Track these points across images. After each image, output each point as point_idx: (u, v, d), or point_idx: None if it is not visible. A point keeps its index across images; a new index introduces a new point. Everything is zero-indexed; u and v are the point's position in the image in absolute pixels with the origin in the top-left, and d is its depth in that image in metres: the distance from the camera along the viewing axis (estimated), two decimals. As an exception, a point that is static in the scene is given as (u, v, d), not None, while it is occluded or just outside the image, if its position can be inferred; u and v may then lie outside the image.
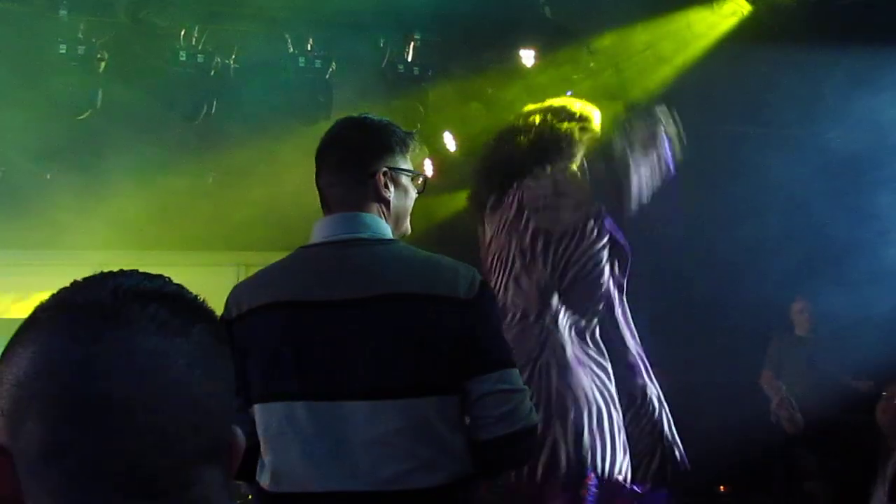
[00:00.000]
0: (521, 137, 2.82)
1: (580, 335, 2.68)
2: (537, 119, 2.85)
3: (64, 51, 5.32)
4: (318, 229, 2.01)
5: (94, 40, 5.39)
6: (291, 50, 5.71)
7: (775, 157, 5.52)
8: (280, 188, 7.57)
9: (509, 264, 2.73)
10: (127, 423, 0.73)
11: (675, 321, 6.10)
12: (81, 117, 5.61)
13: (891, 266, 5.19)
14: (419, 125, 5.85)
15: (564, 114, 2.86)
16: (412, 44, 5.81)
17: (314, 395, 1.84)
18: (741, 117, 5.94)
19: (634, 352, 2.76)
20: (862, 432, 4.15)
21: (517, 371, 1.91)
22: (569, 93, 6.70)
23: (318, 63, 5.72)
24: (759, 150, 5.71)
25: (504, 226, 2.75)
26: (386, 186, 2.02)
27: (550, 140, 2.80)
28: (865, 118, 5.19)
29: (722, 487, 6.16)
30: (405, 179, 2.07)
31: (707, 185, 5.68)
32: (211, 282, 8.01)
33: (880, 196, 5.49)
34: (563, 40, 5.68)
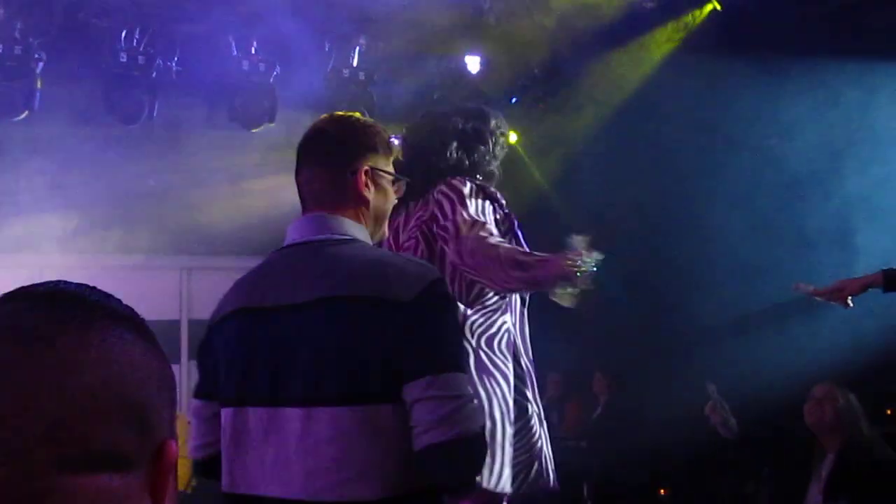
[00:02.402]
0: (437, 137, 2.77)
1: (489, 344, 2.62)
2: (458, 120, 2.80)
3: (0, 51, 5.21)
4: (289, 231, 1.99)
5: (31, 40, 5.29)
6: (235, 53, 5.67)
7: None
8: (224, 192, 7.51)
9: None
10: None
11: (621, 321, 6.19)
12: (18, 119, 5.49)
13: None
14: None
15: (481, 117, 2.84)
16: (357, 48, 5.81)
17: (259, 400, 1.84)
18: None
19: (527, 365, 2.70)
20: (797, 433, 4.25)
21: (459, 376, 1.81)
22: (514, 99, 6.77)
23: (262, 67, 5.68)
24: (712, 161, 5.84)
25: (416, 225, 2.68)
26: (367, 186, 1.98)
27: (476, 141, 2.78)
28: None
29: (662, 490, 6.25)
30: (385, 182, 2.03)
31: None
32: (154, 286, 7.86)
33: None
34: (508, 48, 5.73)
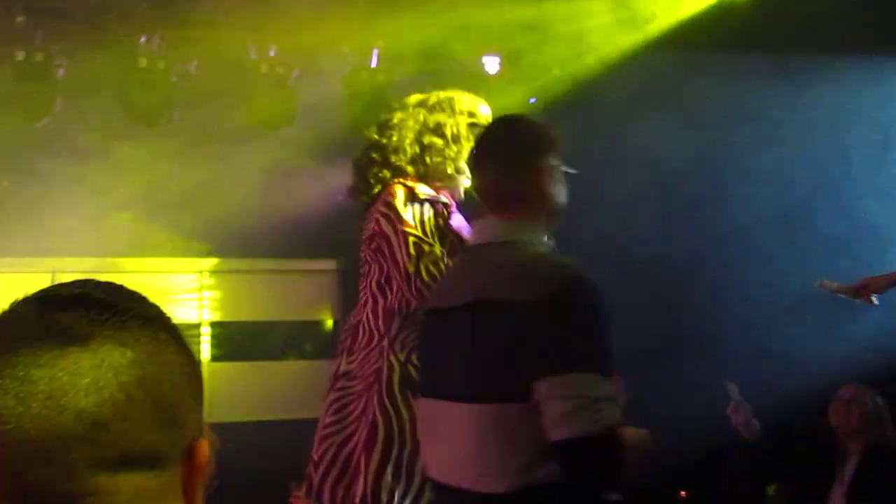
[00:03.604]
0: (404, 131, 2.74)
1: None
2: (422, 112, 2.78)
3: (22, 58, 5.25)
4: (472, 233, 2.21)
5: (52, 46, 5.34)
6: (253, 56, 5.69)
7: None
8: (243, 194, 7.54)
9: (370, 277, 2.68)
10: (8, 435, 0.72)
11: (637, 320, 6.16)
12: (39, 124, 5.54)
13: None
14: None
15: (450, 107, 2.79)
16: (376, 50, 5.82)
17: (432, 392, 2.06)
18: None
19: None
20: (819, 435, 4.21)
21: (592, 376, 1.83)
22: (532, 100, 6.75)
23: (280, 70, 5.70)
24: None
25: (364, 238, 2.68)
26: (549, 183, 2.05)
27: (435, 134, 2.73)
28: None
29: (682, 492, 6.21)
30: (561, 177, 2.10)
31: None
32: (177, 289, 7.83)
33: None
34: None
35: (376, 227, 2.59)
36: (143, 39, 5.48)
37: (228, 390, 7.62)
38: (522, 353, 1.83)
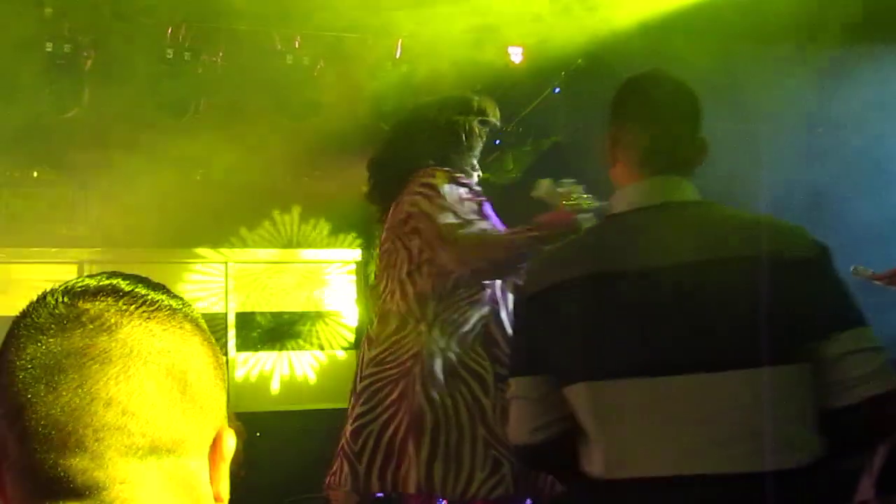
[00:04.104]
0: (418, 130, 2.76)
1: (462, 342, 2.57)
2: (433, 112, 2.79)
3: (50, 49, 5.31)
4: (629, 194, 1.84)
5: (79, 38, 5.38)
6: (279, 48, 5.71)
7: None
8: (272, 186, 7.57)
9: (397, 267, 2.65)
10: (38, 423, 0.73)
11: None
12: (68, 115, 5.59)
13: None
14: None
15: (462, 106, 2.81)
16: (400, 41, 5.82)
17: (634, 371, 1.69)
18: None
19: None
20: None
21: (871, 329, 1.71)
22: (556, 90, 6.73)
23: (305, 61, 5.72)
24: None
25: (393, 225, 2.68)
26: (705, 152, 1.90)
27: (448, 133, 2.75)
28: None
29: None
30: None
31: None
32: (200, 279, 7.92)
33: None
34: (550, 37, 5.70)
35: (412, 209, 2.60)
36: (169, 31, 5.52)
37: (254, 380, 7.69)
38: (803, 310, 1.67)
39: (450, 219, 2.53)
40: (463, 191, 2.64)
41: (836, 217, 5.65)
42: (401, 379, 2.53)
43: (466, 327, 2.59)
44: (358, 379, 2.69)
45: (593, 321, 1.73)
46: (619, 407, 1.69)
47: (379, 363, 2.60)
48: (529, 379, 1.82)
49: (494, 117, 2.86)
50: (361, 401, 2.62)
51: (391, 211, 2.72)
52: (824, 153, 5.67)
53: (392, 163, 2.76)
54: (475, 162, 2.80)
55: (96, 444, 0.74)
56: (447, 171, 2.65)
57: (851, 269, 3.28)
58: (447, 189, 2.59)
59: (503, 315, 2.66)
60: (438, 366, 2.52)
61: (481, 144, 2.81)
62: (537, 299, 1.81)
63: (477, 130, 2.79)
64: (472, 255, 2.50)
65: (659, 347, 1.69)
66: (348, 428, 2.63)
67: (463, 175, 2.69)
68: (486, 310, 2.63)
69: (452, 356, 2.52)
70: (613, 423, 1.70)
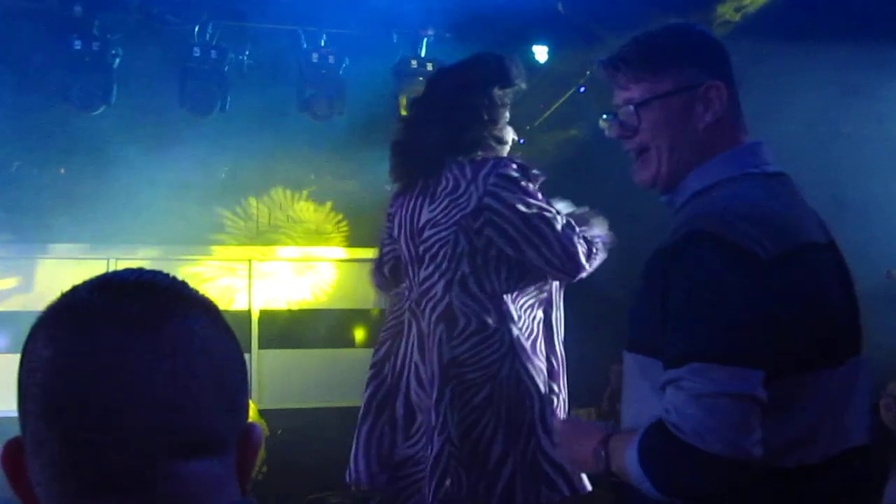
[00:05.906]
0: (434, 112, 2.56)
1: (532, 345, 2.48)
2: (450, 94, 2.58)
3: (79, 47, 5.36)
4: (765, 153, 1.66)
5: (108, 37, 5.44)
6: (305, 46, 5.74)
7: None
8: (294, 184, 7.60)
9: (455, 262, 2.49)
10: (85, 420, 0.73)
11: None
12: (96, 113, 5.64)
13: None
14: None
15: (479, 77, 2.58)
16: (425, 40, 5.82)
17: (856, 350, 1.57)
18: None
19: (561, 356, 2.54)
20: (873, 430, 4.14)
21: None
22: (581, 89, 6.70)
23: (331, 59, 5.74)
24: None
25: (452, 215, 2.48)
26: None
27: (466, 108, 2.54)
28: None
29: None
30: None
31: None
32: (223, 277, 7.93)
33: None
34: (575, 36, 5.68)
35: (490, 201, 2.42)
36: (196, 29, 5.55)
37: (277, 377, 7.72)
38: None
39: (558, 222, 2.43)
40: (537, 184, 2.51)
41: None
42: (486, 382, 2.39)
43: (532, 328, 2.51)
44: (441, 379, 2.45)
45: (831, 296, 1.52)
46: (836, 392, 1.52)
47: (461, 364, 2.41)
48: (762, 374, 1.39)
49: (517, 81, 2.62)
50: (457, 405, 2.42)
51: (431, 197, 2.54)
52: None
53: (421, 145, 2.61)
54: (505, 133, 2.57)
55: (143, 442, 0.74)
56: (519, 162, 2.50)
57: (886, 272, 3.25)
58: (525, 185, 2.46)
59: (555, 317, 2.59)
60: (523, 367, 2.44)
61: (507, 112, 2.63)
62: (787, 262, 1.44)
63: (498, 101, 2.57)
64: (593, 262, 2.46)
65: (857, 326, 1.57)
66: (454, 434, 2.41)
67: (524, 162, 2.54)
68: (544, 308, 2.56)
69: (528, 359, 2.45)
70: (833, 407, 1.52)
